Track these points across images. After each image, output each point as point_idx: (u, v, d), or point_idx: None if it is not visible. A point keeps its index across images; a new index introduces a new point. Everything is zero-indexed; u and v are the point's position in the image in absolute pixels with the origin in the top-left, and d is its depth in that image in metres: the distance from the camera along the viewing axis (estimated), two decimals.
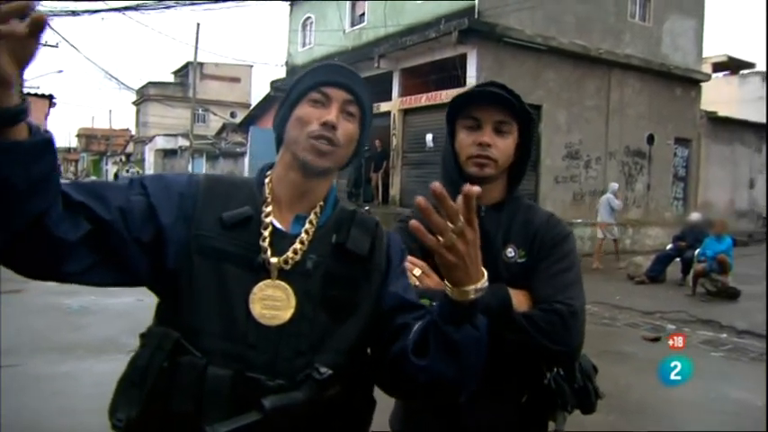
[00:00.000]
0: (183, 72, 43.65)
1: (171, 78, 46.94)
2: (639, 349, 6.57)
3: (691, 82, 16.76)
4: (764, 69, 23.56)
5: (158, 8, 15.58)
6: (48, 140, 0.94)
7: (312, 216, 1.21)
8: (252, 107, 27.81)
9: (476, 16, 13.12)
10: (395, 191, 15.55)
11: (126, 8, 15.90)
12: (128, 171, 36.60)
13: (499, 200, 1.65)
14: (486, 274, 1.05)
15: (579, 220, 13.37)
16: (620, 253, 12.72)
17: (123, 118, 70.79)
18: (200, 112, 35.75)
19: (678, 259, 10.60)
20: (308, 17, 20.24)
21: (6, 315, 5.71)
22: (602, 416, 3.69)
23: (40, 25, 0.83)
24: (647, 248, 13.90)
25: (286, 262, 1.14)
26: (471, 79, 13.13)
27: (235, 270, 1.13)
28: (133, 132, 49.56)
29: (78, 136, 69.20)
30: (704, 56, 18.11)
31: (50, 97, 17.63)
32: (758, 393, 5.14)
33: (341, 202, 1.30)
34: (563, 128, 14.02)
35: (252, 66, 44.43)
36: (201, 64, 36.95)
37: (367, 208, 12.88)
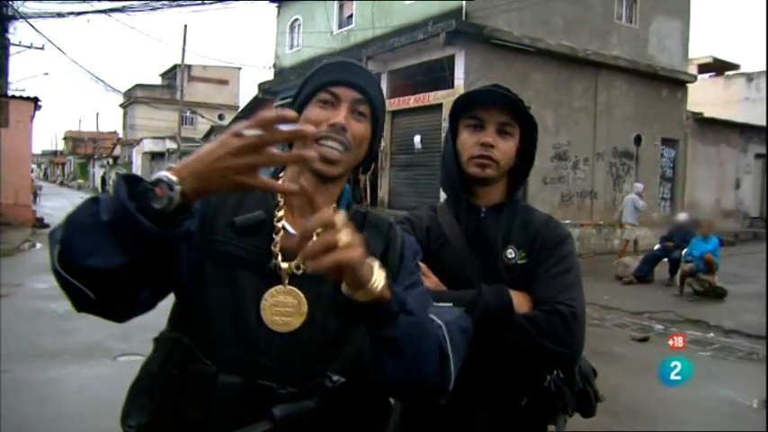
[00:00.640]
0: (170, 74, 43.42)
1: (158, 81, 46.68)
2: (628, 350, 6.61)
3: (677, 83, 16.88)
4: (749, 71, 23.80)
5: (145, 10, 15.50)
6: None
7: None
8: (240, 109, 27.72)
9: (463, 18, 13.15)
10: (383, 192, 15.54)
11: (112, 10, 15.81)
12: (117, 174, 36.33)
13: (499, 202, 1.64)
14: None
15: (567, 221, 13.41)
16: (630, 253, 12.72)
17: (110, 121, 70.53)
18: (188, 114, 35.57)
19: (666, 259, 10.65)
20: (296, 19, 20.18)
21: None
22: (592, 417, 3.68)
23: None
24: (636, 248, 13.96)
25: (297, 267, 1.12)
26: (459, 81, 13.16)
27: (247, 275, 1.11)
28: (120, 135, 49.24)
29: (65, 139, 68.76)
30: (690, 57, 18.25)
31: (36, 100, 17.43)
32: (746, 392, 5.18)
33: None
34: (551, 129, 14.06)
35: (240, 68, 44.49)
36: (189, 66, 36.76)
37: None
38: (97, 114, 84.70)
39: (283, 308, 1.10)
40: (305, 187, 0.93)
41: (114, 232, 0.89)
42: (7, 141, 15.37)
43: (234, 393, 1.05)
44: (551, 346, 1.43)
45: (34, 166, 44.55)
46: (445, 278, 1.54)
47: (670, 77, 16.52)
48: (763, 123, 20.22)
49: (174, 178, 0.88)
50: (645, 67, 15.79)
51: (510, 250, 1.58)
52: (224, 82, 43.53)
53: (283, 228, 1.16)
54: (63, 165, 67.60)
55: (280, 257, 1.12)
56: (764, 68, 22.20)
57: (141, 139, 38.28)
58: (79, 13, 16.09)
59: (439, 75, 13.73)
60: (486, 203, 1.61)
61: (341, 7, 17.94)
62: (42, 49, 19.31)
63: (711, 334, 7.34)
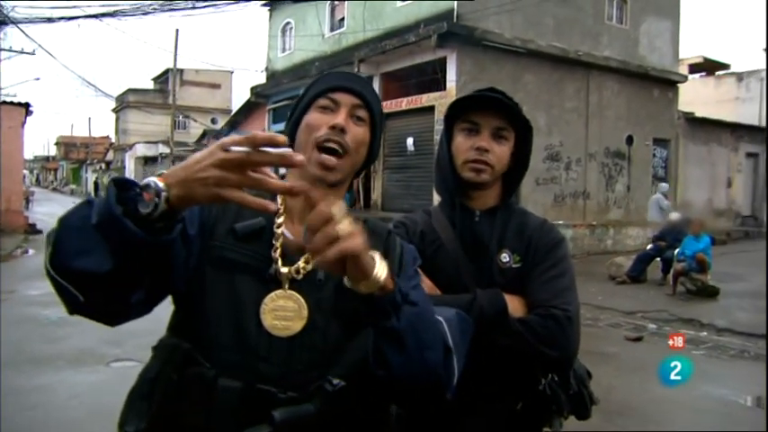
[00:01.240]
0: (162, 78, 43.31)
1: (150, 85, 46.58)
2: (622, 349, 6.62)
3: (668, 83, 16.97)
4: (739, 70, 23.99)
5: (136, 14, 15.42)
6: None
7: None
8: (233, 113, 27.67)
9: (455, 20, 13.18)
10: (376, 195, 15.55)
11: (103, 14, 15.70)
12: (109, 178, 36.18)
13: (493, 206, 1.64)
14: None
15: (560, 222, 13.44)
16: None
17: (103, 125, 70.18)
18: (181, 118, 35.45)
19: (658, 259, 10.69)
20: (288, 22, 20.17)
21: None
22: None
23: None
24: (629, 248, 14.01)
25: (297, 272, 1.12)
26: (451, 83, 13.20)
27: (246, 281, 1.12)
28: (113, 140, 49.06)
29: (57, 144, 68.43)
30: (680, 57, 18.35)
31: (27, 105, 17.36)
32: (739, 390, 5.20)
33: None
34: (543, 130, 14.09)
35: (232, 72, 44.24)
36: (181, 70, 36.73)
37: None
38: (89, 119, 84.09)
39: (283, 312, 1.10)
40: (296, 187, 0.92)
41: (103, 235, 0.89)
42: None
43: (234, 397, 1.05)
44: (546, 350, 1.43)
45: (26, 172, 44.36)
46: (440, 282, 1.53)
47: (661, 78, 16.62)
48: (754, 122, 20.43)
49: (161, 185, 0.88)
50: (636, 67, 15.87)
51: (504, 254, 1.58)
52: (216, 86, 43.47)
53: (283, 234, 1.16)
54: (55, 170, 67.33)
55: (280, 262, 1.13)
56: (755, 68, 22.41)
57: (134, 144, 38.16)
58: (70, 18, 16.00)
59: (431, 77, 13.77)
60: (480, 207, 1.61)
61: (332, 10, 17.93)
62: (33, 54, 19.32)
63: (704, 333, 7.37)
